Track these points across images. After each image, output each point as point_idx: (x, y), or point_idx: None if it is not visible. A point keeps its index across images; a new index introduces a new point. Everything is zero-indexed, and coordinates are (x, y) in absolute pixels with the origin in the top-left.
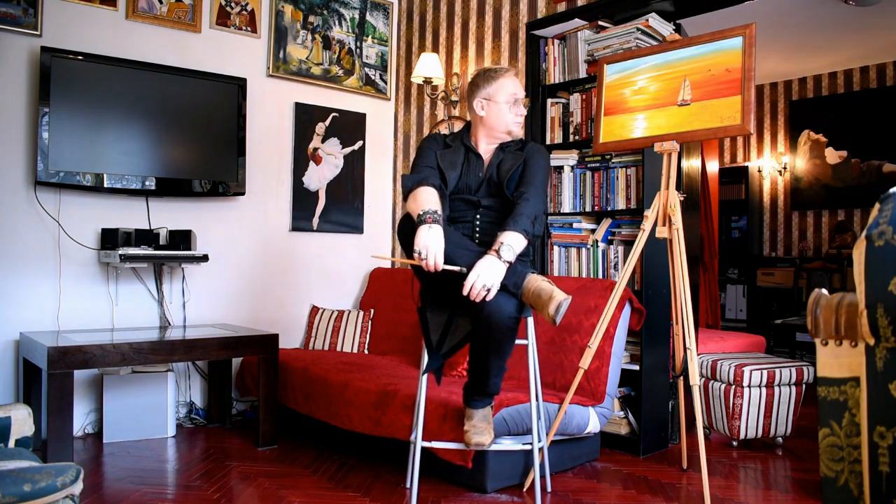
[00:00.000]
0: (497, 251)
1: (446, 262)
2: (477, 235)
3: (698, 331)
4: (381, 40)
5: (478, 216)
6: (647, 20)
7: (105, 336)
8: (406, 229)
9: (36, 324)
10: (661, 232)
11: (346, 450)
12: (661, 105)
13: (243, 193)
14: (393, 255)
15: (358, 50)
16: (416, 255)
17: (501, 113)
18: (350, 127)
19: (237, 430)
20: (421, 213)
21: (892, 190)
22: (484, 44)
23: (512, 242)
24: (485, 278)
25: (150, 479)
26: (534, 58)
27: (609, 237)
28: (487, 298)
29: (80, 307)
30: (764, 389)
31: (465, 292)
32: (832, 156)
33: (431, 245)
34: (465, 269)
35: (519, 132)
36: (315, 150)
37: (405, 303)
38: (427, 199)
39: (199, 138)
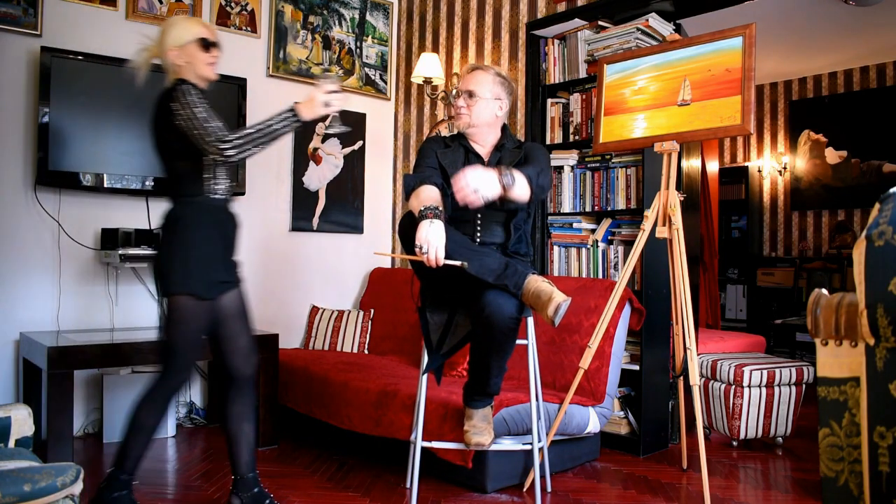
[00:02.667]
0: (498, 169)
1: (446, 257)
2: (478, 235)
3: (698, 331)
4: (381, 40)
5: (479, 216)
6: (647, 20)
7: (105, 336)
8: (407, 227)
9: (36, 324)
10: (661, 232)
11: (346, 450)
12: (661, 105)
13: (243, 193)
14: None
15: (358, 50)
16: (417, 249)
17: None
18: (350, 127)
19: None
20: (422, 209)
21: (892, 190)
22: (484, 44)
23: (515, 175)
24: (475, 182)
25: (150, 479)
26: (534, 58)
27: (609, 237)
28: (474, 203)
29: (80, 307)
30: (764, 389)
31: (454, 189)
32: (832, 156)
33: (433, 239)
34: (465, 263)
35: (460, 125)
36: (315, 150)
37: (405, 303)
38: (429, 195)
39: None
